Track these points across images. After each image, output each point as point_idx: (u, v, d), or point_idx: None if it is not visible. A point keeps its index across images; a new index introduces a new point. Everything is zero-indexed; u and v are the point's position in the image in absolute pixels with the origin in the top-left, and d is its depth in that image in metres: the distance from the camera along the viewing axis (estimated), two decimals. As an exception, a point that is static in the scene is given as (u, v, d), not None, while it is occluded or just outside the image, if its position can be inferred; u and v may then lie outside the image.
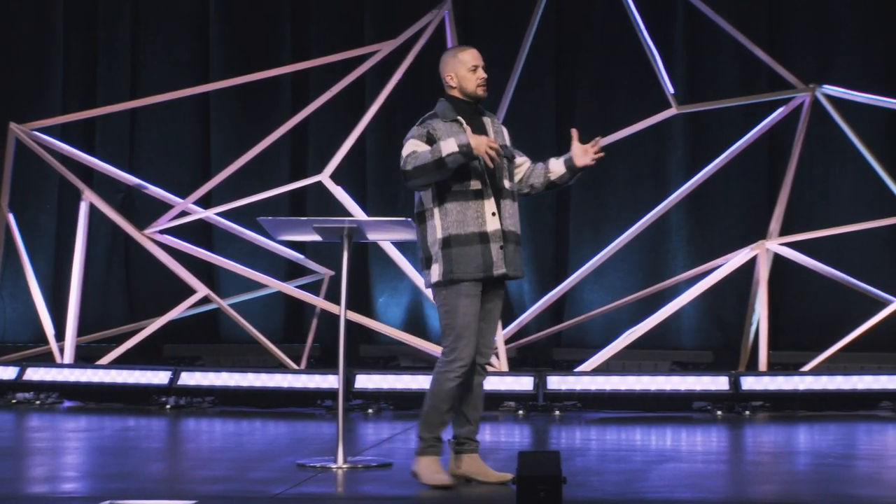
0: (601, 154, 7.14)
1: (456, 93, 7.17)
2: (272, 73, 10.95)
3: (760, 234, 10.73)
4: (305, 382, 10.30)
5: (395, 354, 11.30)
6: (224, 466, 7.92)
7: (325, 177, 10.64)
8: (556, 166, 7.23)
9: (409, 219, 7.88)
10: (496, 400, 10.24)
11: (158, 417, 9.99)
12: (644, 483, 7.43)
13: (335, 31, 11.60)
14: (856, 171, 11.12)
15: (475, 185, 7.02)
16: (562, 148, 11.39)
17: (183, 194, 10.87)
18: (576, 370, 10.44)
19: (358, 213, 10.58)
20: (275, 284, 10.85)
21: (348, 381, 10.15)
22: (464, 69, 7.14)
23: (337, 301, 8.24)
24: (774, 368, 10.51)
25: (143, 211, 11.31)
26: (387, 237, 8.94)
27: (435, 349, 10.70)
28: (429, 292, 10.20)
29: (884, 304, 10.53)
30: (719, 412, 10.16)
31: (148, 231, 10.70)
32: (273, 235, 8.26)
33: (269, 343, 10.57)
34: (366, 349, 11.41)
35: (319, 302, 10.72)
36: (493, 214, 7.04)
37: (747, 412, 10.15)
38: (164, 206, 10.83)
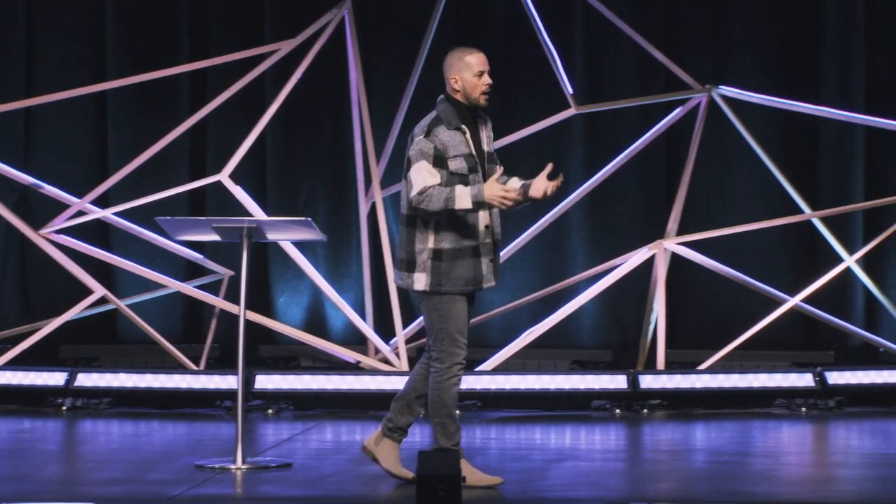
0: (557, 185, 7.09)
1: (459, 96, 7.11)
2: (170, 71, 10.86)
3: (658, 233, 10.82)
4: (204, 383, 10.24)
5: (295, 355, 11.26)
6: (121, 468, 7.85)
7: (224, 176, 10.57)
8: (513, 185, 7.14)
9: (309, 218, 7.86)
10: (396, 400, 10.23)
11: (55, 419, 9.88)
12: (543, 482, 7.48)
13: (234, 29, 11.52)
14: (751, 172, 11.25)
15: None
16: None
17: (79, 194, 10.75)
18: (476, 369, 10.46)
19: (257, 213, 10.53)
20: (173, 284, 10.77)
21: (248, 381, 10.09)
22: (469, 74, 7.07)
23: (236, 301, 8.20)
24: (672, 367, 10.61)
25: (39, 211, 11.15)
26: (287, 237, 8.91)
27: (335, 349, 10.67)
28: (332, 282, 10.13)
29: (779, 302, 10.66)
30: (618, 410, 10.23)
31: (44, 231, 10.57)
32: (171, 235, 8.21)
33: (167, 343, 10.49)
34: (266, 349, 11.35)
35: (219, 302, 10.65)
36: (487, 227, 7.05)
37: (645, 410, 10.23)
38: (61, 206, 10.71)
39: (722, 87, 10.87)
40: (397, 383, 10.17)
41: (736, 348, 10.55)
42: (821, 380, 10.35)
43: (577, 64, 11.37)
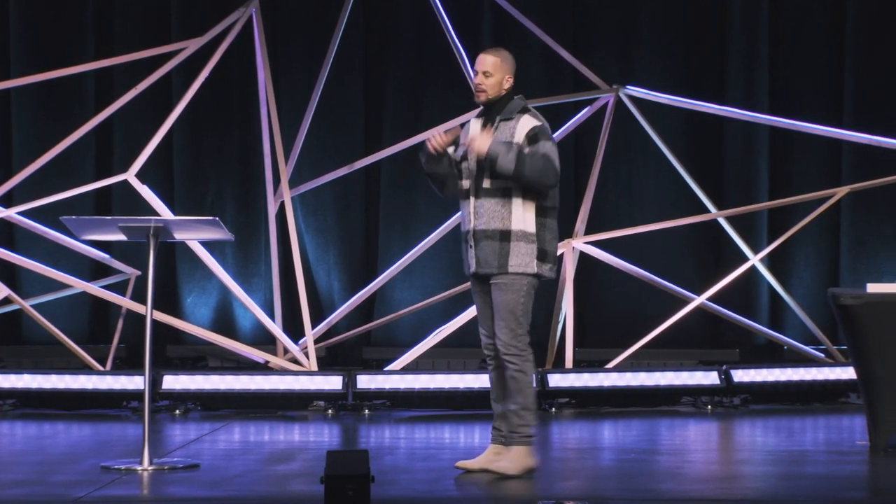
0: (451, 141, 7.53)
1: None
2: (75, 69, 10.75)
3: (567, 232, 10.87)
4: (111, 384, 10.15)
5: (203, 355, 11.20)
6: (25, 470, 7.77)
7: (130, 175, 10.49)
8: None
9: (217, 218, 7.83)
10: (305, 399, 10.21)
11: (-42, 421, 9.76)
12: (452, 481, 7.50)
13: (140, 27, 11.44)
14: (658, 171, 11.34)
15: (465, 184, 7.53)
16: (370, 147, 11.46)
17: (-17, 193, 10.63)
18: (385, 369, 10.47)
19: (164, 213, 10.46)
20: (79, 284, 10.67)
21: (155, 381, 10.02)
22: None
23: (143, 301, 8.14)
24: (580, 365, 10.67)
25: (-58, 210, 11.01)
26: (194, 236, 8.86)
27: (243, 349, 10.62)
28: None
29: (685, 301, 10.76)
30: (526, 409, 10.26)
31: (-54, 230, 10.44)
32: (77, 235, 8.14)
33: (72, 344, 10.39)
34: (173, 349, 11.29)
35: (125, 302, 10.57)
36: (469, 214, 7.50)
37: (553, 409, 10.28)
38: (-36, 205, 10.58)
39: (629, 86, 10.95)
40: (306, 383, 10.16)
41: (643, 347, 10.63)
42: (726, 378, 10.46)
43: (486, 63, 11.38)
